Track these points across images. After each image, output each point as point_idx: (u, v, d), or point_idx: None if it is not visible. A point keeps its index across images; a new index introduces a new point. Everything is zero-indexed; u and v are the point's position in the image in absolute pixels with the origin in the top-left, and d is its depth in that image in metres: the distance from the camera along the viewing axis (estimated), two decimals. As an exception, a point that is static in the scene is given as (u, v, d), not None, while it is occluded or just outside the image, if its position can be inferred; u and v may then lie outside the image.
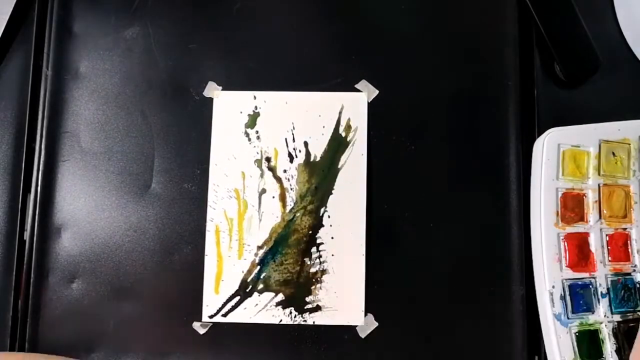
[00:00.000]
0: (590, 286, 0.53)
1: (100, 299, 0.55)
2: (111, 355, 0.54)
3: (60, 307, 0.54)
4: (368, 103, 0.56)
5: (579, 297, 0.53)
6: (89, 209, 0.55)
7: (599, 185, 0.54)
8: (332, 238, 0.55)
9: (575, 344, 0.52)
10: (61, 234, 0.55)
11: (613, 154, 0.55)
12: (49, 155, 0.56)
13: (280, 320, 0.54)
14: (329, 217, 0.55)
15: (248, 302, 0.54)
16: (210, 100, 0.56)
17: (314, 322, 0.54)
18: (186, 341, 0.54)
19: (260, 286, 0.54)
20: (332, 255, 0.55)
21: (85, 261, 0.55)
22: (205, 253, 0.54)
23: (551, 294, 0.53)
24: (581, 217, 0.54)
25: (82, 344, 0.54)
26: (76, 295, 0.55)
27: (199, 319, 0.54)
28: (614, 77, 0.58)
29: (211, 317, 0.54)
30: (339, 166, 0.55)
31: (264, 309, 0.54)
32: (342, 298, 0.54)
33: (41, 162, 0.56)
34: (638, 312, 0.53)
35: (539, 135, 0.55)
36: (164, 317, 0.54)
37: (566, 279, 0.53)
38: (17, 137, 0.56)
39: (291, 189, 0.55)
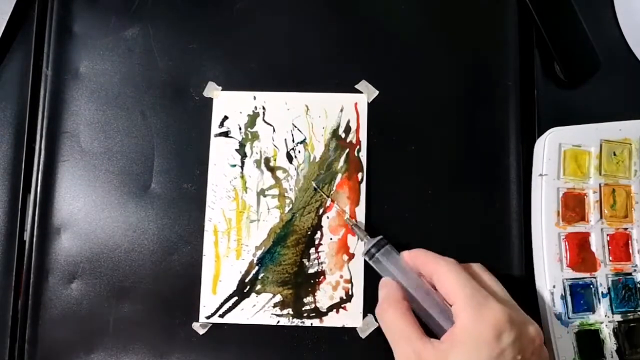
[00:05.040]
0: (591, 286, 0.53)
1: (100, 299, 0.55)
2: (111, 355, 0.54)
3: (60, 307, 0.54)
4: (368, 103, 0.56)
5: (579, 296, 0.53)
6: (89, 209, 0.55)
7: (600, 185, 0.54)
8: (331, 239, 0.55)
9: (575, 343, 0.52)
10: (61, 234, 0.55)
11: (614, 153, 0.54)
12: (49, 155, 0.56)
13: (278, 322, 0.54)
14: (327, 217, 0.55)
15: (246, 302, 0.54)
16: (210, 101, 0.56)
17: (312, 324, 0.54)
18: (185, 341, 0.54)
19: (258, 287, 0.54)
20: (331, 256, 0.54)
21: (85, 261, 0.55)
22: (204, 253, 0.54)
23: (552, 293, 0.52)
24: (582, 217, 0.54)
25: (81, 344, 0.54)
26: (76, 295, 0.55)
27: (199, 320, 0.54)
28: (614, 77, 0.58)
29: (208, 317, 0.54)
30: (339, 166, 0.55)
31: (261, 310, 0.54)
32: (341, 299, 0.54)
33: (41, 162, 0.56)
34: (639, 312, 0.53)
35: (539, 135, 0.55)
36: (163, 317, 0.54)
37: (567, 279, 0.53)
38: (17, 137, 0.57)
39: (290, 189, 0.55)
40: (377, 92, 0.56)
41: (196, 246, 0.55)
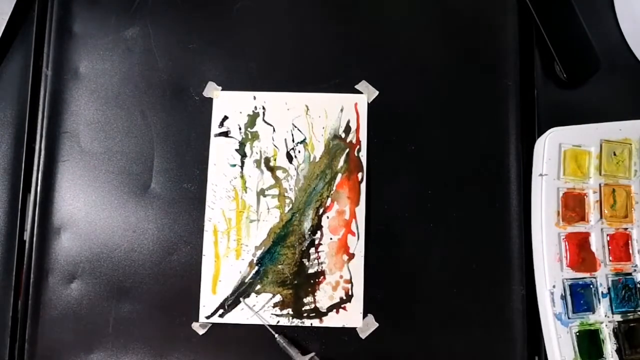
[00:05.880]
0: (591, 286, 0.53)
1: (100, 299, 0.55)
2: (110, 355, 0.54)
3: (60, 307, 0.54)
4: (368, 104, 0.56)
5: (579, 296, 0.53)
6: (89, 209, 0.55)
7: (600, 185, 0.54)
8: (331, 239, 0.55)
9: (575, 343, 0.52)
10: (61, 234, 0.55)
11: (614, 153, 0.54)
12: (49, 155, 0.56)
13: (278, 322, 0.54)
14: (327, 217, 0.55)
15: (245, 302, 0.54)
16: (210, 100, 0.56)
17: (311, 324, 0.54)
18: (185, 341, 0.54)
19: (258, 287, 0.54)
20: (331, 256, 0.54)
21: (85, 261, 0.55)
22: (203, 253, 0.54)
23: (552, 293, 0.52)
24: (582, 217, 0.54)
25: (81, 344, 0.54)
26: (76, 295, 0.55)
27: (198, 320, 0.54)
28: (614, 77, 0.58)
29: (208, 317, 0.54)
30: (339, 167, 0.55)
31: (261, 310, 0.54)
32: (341, 300, 0.54)
33: (41, 162, 0.56)
34: (639, 312, 0.53)
35: (539, 135, 0.55)
36: (163, 317, 0.54)
37: (567, 279, 0.53)
38: (17, 137, 0.57)
39: (290, 189, 0.55)
40: (377, 93, 0.56)
41: (196, 246, 0.55)
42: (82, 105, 0.56)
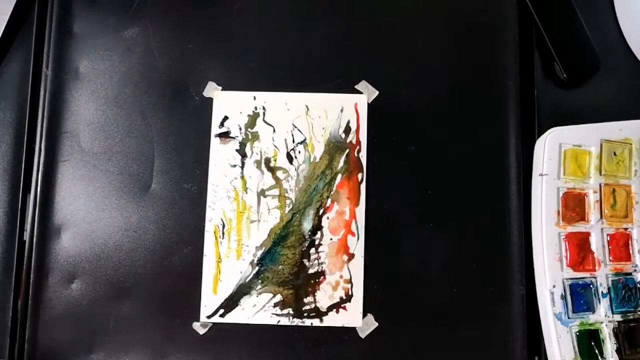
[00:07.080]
0: (591, 286, 0.53)
1: (100, 299, 0.54)
2: (111, 355, 0.54)
3: (60, 307, 0.54)
4: (368, 104, 0.56)
5: (579, 296, 0.53)
6: (89, 209, 0.55)
7: (600, 184, 0.54)
8: (331, 239, 0.55)
9: (575, 343, 0.52)
10: (61, 234, 0.55)
11: (614, 153, 0.54)
12: (49, 155, 0.56)
13: (279, 322, 0.54)
14: (327, 218, 0.55)
15: (246, 303, 0.54)
16: (210, 100, 0.56)
17: (312, 324, 0.54)
18: (186, 341, 0.54)
19: (259, 287, 0.54)
20: (331, 256, 0.54)
21: (85, 261, 0.55)
22: (204, 253, 0.54)
23: (552, 293, 0.52)
24: (582, 217, 0.54)
25: (81, 344, 0.54)
26: (76, 295, 0.55)
27: (199, 319, 0.54)
28: (614, 77, 0.58)
29: (209, 317, 0.54)
30: (339, 167, 0.55)
31: (262, 310, 0.54)
32: (341, 299, 0.54)
33: (41, 162, 0.56)
34: (639, 312, 0.53)
35: (539, 136, 0.55)
36: (163, 317, 0.54)
37: (567, 279, 0.53)
38: (17, 137, 0.56)
39: (290, 189, 0.55)
40: (377, 93, 0.56)
41: (197, 246, 0.55)
42: (82, 105, 0.56)
